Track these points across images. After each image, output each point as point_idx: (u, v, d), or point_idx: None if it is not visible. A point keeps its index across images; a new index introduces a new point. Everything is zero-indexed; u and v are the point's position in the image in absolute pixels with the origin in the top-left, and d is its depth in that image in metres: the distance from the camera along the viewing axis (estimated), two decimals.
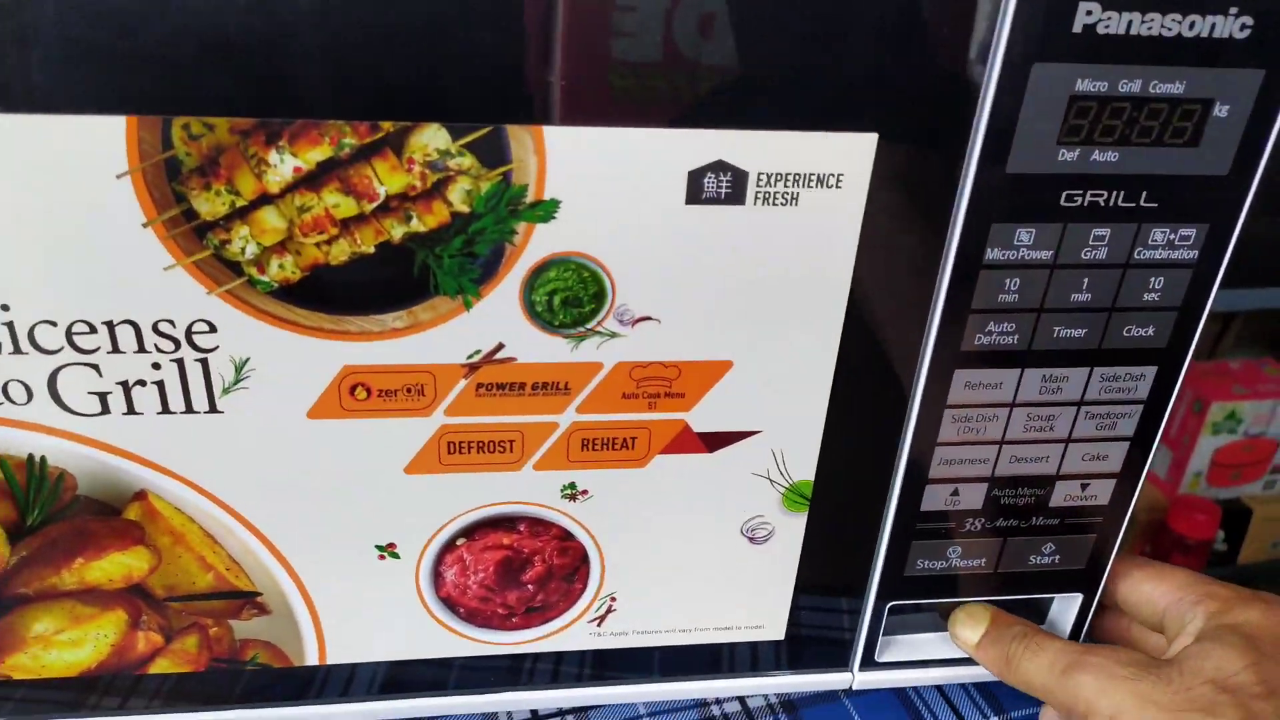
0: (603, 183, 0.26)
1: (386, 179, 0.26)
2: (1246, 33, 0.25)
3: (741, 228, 0.27)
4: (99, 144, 0.24)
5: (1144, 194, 0.27)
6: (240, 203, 0.25)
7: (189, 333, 0.27)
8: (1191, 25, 0.25)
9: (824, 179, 0.27)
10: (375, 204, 0.26)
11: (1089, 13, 0.25)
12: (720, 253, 0.27)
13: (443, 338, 0.28)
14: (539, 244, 0.27)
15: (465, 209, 0.26)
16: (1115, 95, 0.26)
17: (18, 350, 0.27)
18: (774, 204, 0.27)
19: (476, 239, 0.26)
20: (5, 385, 0.27)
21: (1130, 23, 0.25)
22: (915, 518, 0.32)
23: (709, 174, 0.26)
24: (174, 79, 0.24)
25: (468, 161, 0.25)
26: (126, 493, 0.29)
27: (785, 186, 0.27)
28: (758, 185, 0.27)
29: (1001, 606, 0.34)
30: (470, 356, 0.28)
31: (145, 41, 0.23)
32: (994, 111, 0.26)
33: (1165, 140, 0.27)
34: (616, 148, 0.26)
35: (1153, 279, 0.29)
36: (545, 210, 0.26)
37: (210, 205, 0.25)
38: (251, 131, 0.24)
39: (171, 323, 0.27)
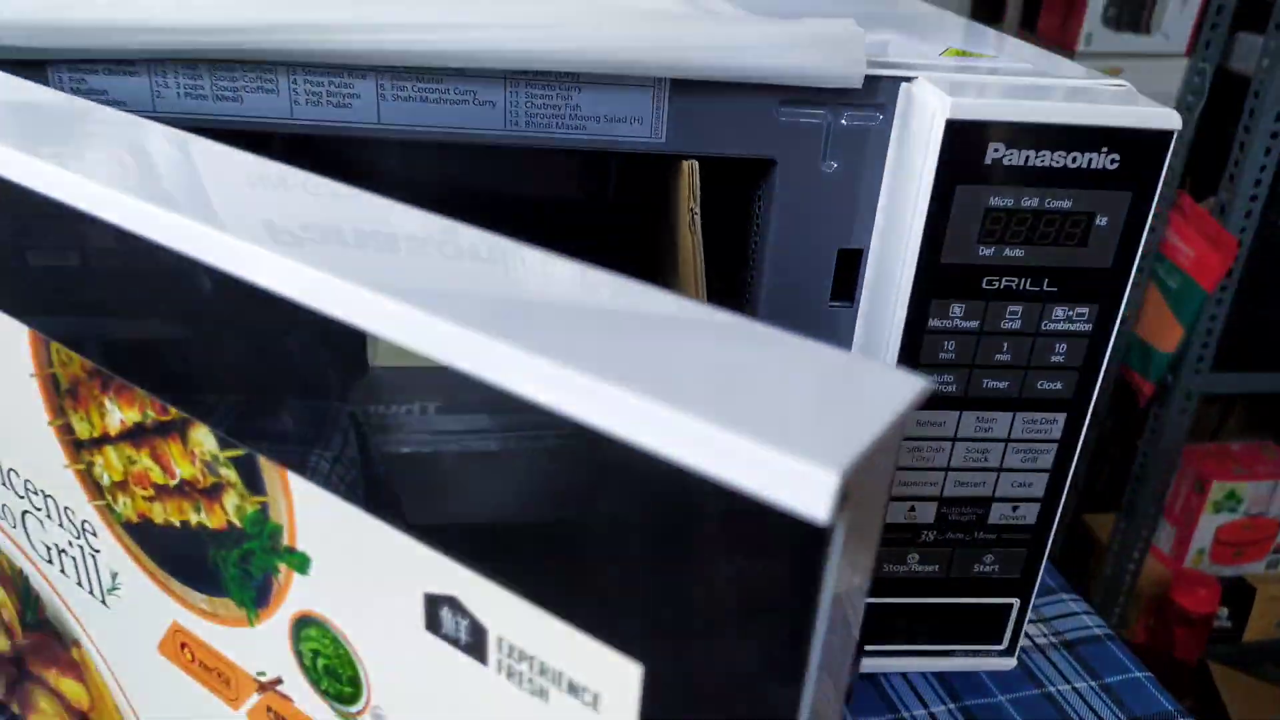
0: (351, 561, 0.22)
1: (178, 462, 0.25)
2: (1115, 164, 0.35)
3: (483, 693, 0.21)
4: (15, 342, 0.27)
5: (1045, 280, 0.37)
6: (95, 433, 0.27)
7: (82, 528, 0.29)
8: (1074, 159, 0.35)
9: (578, 689, 0.19)
10: (174, 481, 0.25)
11: (996, 149, 0.34)
12: (465, 709, 0.22)
13: (237, 640, 0.26)
14: (299, 593, 0.24)
15: (238, 523, 0.24)
16: (1019, 209, 0.35)
17: (5, 482, 0.31)
18: (519, 685, 0.20)
19: (250, 558, 0.24)
20: (2, 505, 0.32)
21: (1028, 157, 0.35)
22: (881, 530, 0.41)
23: (444, 607, 0.21)
24: (45, 305, 0.26)
25: (233, 476, 0.24)
26: (68, 635, 0.33)
27: (531, 672, 0.20)
28: (500, 651, 0.20)
29: (954, 609, 0.43)
30: (260, 674, 0.26)
31: (21, 266, 0.26)
32: (929, 219, 0.35)
33: (1060, 241, 0.36)
34: (359, 529, 0.22)
35: (1057, 344, 0.38)
36: (299, 561, 0.23)
37: (79, 426, 0.27)
38: (93, 373, 0.26)
39: (72, 512, 0.29)
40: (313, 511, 0.23)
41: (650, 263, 0.54)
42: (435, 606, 0.21)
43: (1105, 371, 0.39)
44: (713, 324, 0.20)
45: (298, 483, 0.23)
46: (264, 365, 0.23)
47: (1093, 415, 0.40)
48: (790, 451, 0.15)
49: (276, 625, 0.25)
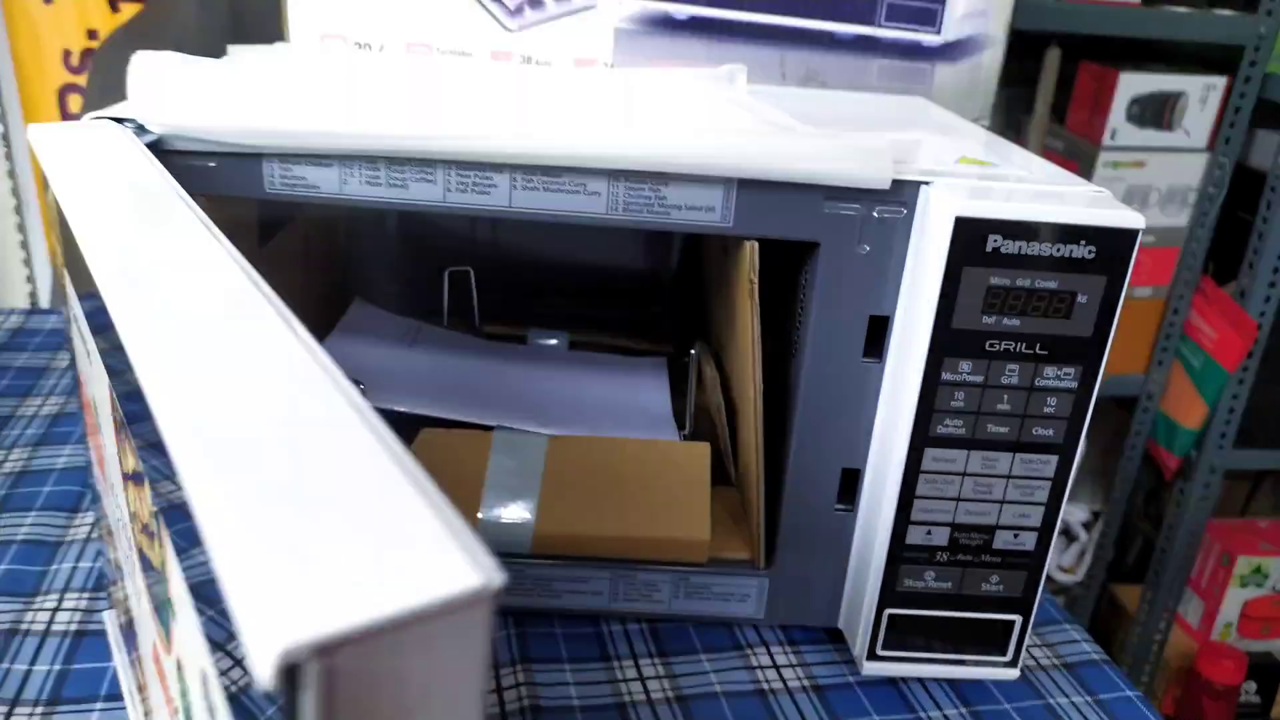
0: None
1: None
2: (1092, 254, 0.44)
3: None
4: None
5: (1038, 345, 0.46)
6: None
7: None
8: (1058, 249, 0.44)
9: None
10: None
11: (995, 240, 0.44)
12: None
13: None
14: None
15: None
16: (1015, 287, 0.44)
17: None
18: None
19: None
20: None
21: (1021, 246, 0.44)
22: (903, 547, 0.49)
23: None
24: None
25: None
26: None
27: None
28: None
29: (965, 623, 0.51)
30: None
31: None
32: (942, 293, 0.44)
33: (1049, 314, 0.45)
34: None
35: (1048, 398, 0.46)
36: None
37: None
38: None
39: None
40: None
41: (713, 325, 0.64)
42: None
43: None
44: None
45: None
46: None
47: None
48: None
49: None
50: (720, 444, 0.60)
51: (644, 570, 0.54)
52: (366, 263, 0.78)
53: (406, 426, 0.63)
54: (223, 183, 0.46)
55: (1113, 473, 1.44)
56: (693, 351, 0.60)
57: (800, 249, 0.50)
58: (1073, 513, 1.49)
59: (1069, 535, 1.50)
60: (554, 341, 0.73)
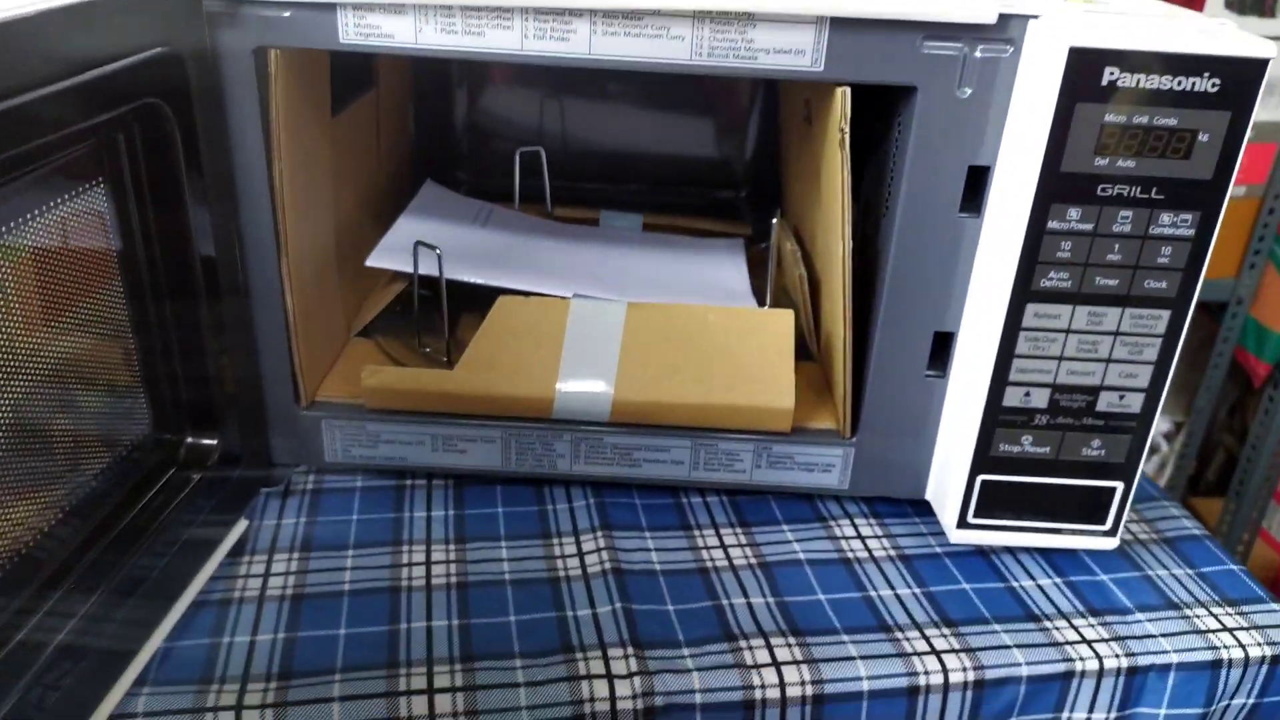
0: None
1: None
2: (1216, 88, 0.41)
3: None
4: None
5: (1154, 189, 0.43)
6: None
7: None
8: (1180, 83, 0.41)
9: None
10: None
11: (1111, 73, 0.41)
12: None
13: None
14: None
15: None
16: (1131, 125, 0.41)
17: None
18: None
19: None
20: None
21: (1139, 80, 0.41)
22: (998, 410, 0.47)
23: None
24: None
25: None
26: None
27: None
28: None
29: (1062, 490, 0.49)
30: None
31: None
32: (1051, 134, 0.42)
33: (1166, 154, 0.42)
34: None
35: (1163, 247, 0.44)
36: None
37: None
38: None
39: None
40: None
41: (792, 200, 0.62)
42: None
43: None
44: None
45: None
46: None
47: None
48: None
49: None
50: (803, 318, 0.58)
51: (725, 439, 0.53)
52: (436, 145, 0.77)
53: (481, 300, 0.63)
54: (298, 33, 0.44)
55: (1197, 383, 1.39)
56: (774, 222, 0.58)
57: (895, 95, 0.47)
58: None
59: (1150, 447, 1.45)
60: (627, 222, 0.72)
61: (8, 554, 0.37)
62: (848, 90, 0.45)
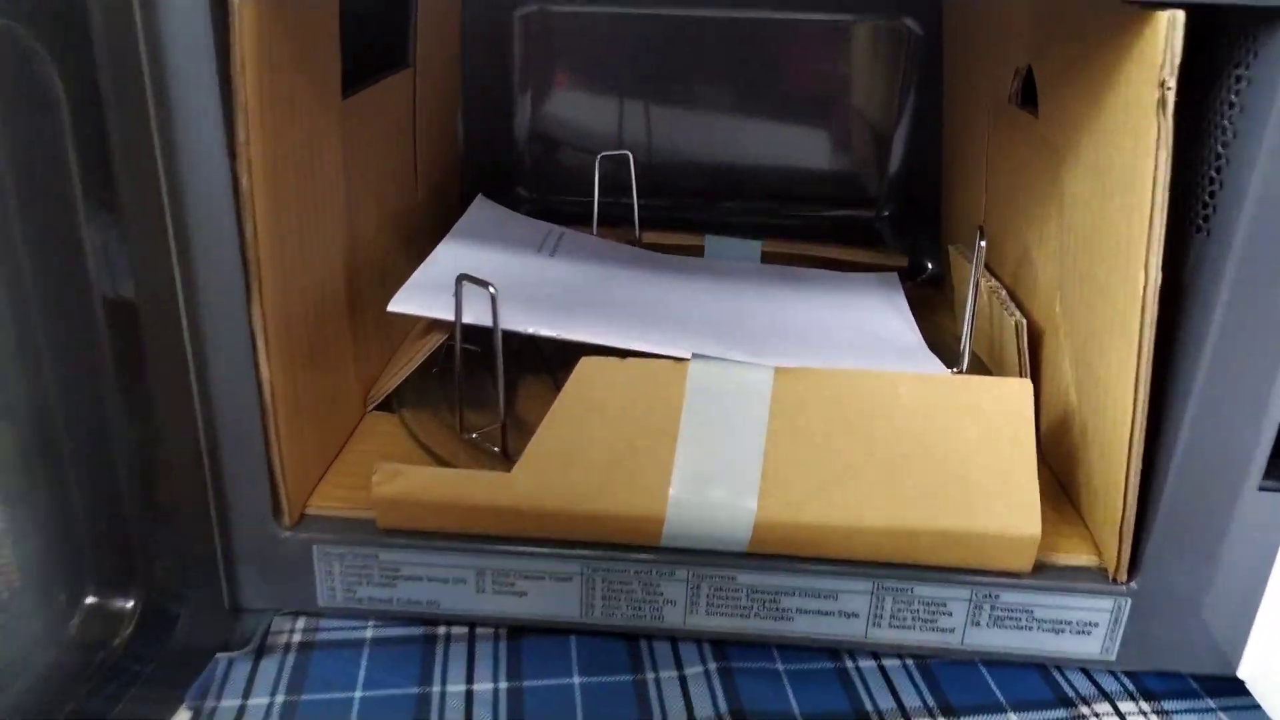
0: None
1: None
2: None
3: None
4: None
5: None
6: None
7: None
8: None
9: None
10: None
11: None
12: None
13: None
14: None
15: None
16: None
17: None
18: None
19: None
20: None
21: None
22: None
23: None
24: None
25: None
26: None
27: None
28: None
29: None
30: None
31: None
32: None
33: None
34: None
35: None
36: None
37: None
38: None
39: None
40: None
41: (1002, 181, 0.42)
42: None
43: None
44: None
45: None
46: None
47: None
48: None
49: None
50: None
51: (925, 581, 0.34)
52: (491, 152, 0.60)
53: (553, 362, 0.45)
54: None
55: None
56: (981, 244, 0.40)
57: (1225, 38, 0.29)
58: None
59: None
60: (742, 251, 0.54)
61: None
62: (1179, 17, 0.27)
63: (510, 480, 0.34)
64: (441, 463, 0.39)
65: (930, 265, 0.57)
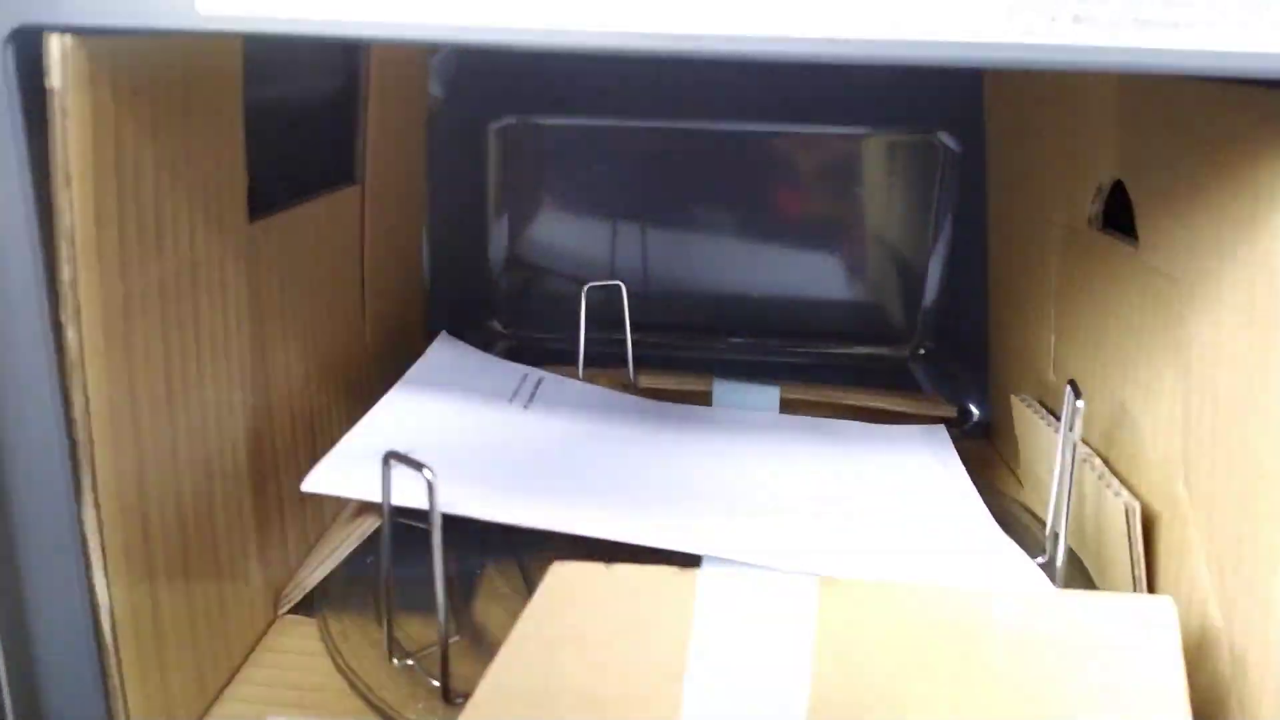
0: None
1: None
2: None
3: None
4: None
5: None
6: None
7: None
8: None
9: None
10: None
11: None
12: None
13: None
14: None
15: None
16: None
17: None
18: None
19: None
20: None
21: None
22: None
23: None
24: None
25: None
26: None
27: None
28: None
29: None
30: None
31: None
32: None
33: None
34: None
35: None
36: None
37: None
38: None
39: None
40: None
41: (1081, 317, 0.34)
42: None
43: None
44: None
45: None
46: None
47: None
48: None
49: None
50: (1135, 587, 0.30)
51: None
52: (462, 280, 0.52)
53: (524, 549, 0.36)
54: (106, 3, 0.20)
55: None
56: (1077, 404, 0.31)
57: None
58: None
59: None
60: (758, 398, 0.45)
61: None
62: None
63: None
64: (365, 692, 0.29)
65: (977, 412, 0.48)
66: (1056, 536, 0.31)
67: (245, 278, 0.29)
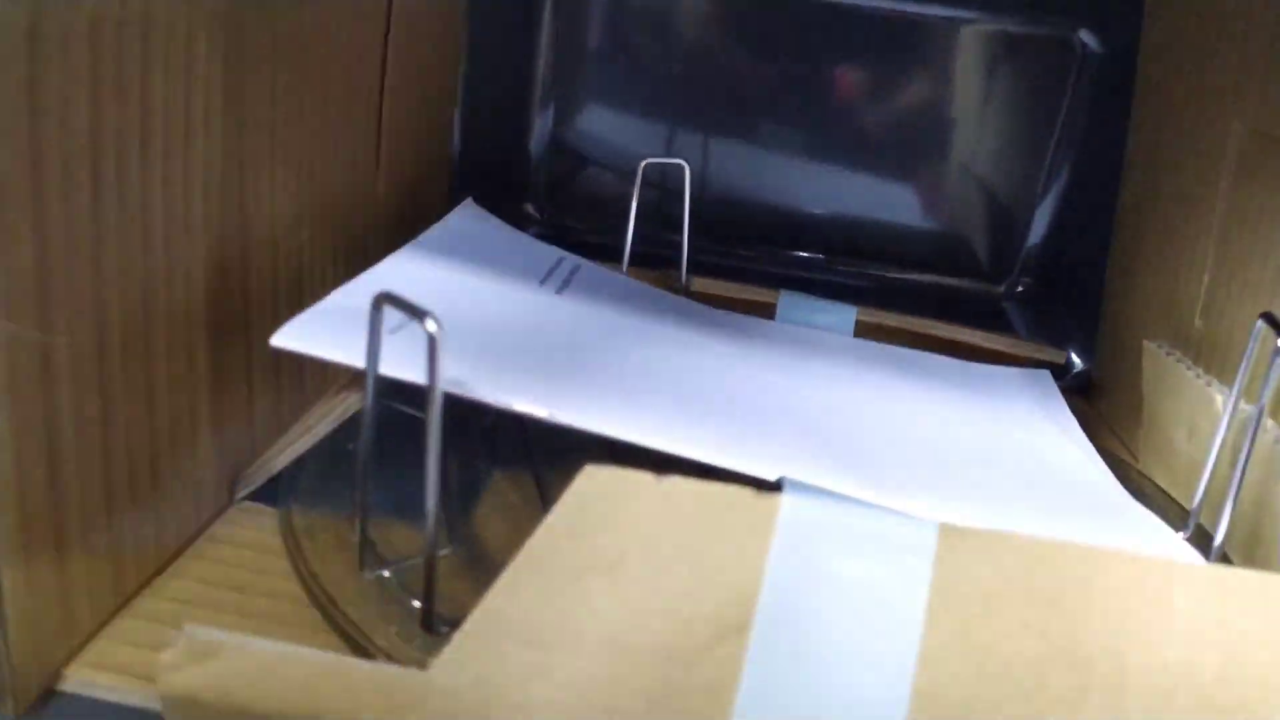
0: None
1: None
2: None
3: None
4: None
5: None
6: None
7: None
8: None
9: None
10: None
11: None
12: None
13: None
14: None
15: None
16: None
17: None
18: None
19: None
20: None
21: None
22: None
23: None
24: None
25: None
26: None
27: None
28: None
29: None
30: None
31: None
32: None
33: None
34: None
35: None
36: None
37: None
38: None
39: None
40: None
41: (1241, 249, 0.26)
42: None
43: None
44: None
45: None
46: None
47: None
48: None
49: None
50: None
51: None
52: (497, 151, 0.45)
53: (544, 449, 0.29)
54: None
55: None
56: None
57: None
58: None
59: None
60: (831, 318, 0.38)
61: None
62: None
63: (421, 685, 0.18)
64: (327, 605, 0.23)
65: (1079, 363, 0.41)
66: (1226, 512, 0.24)
67: (221, 56, 0.22)
